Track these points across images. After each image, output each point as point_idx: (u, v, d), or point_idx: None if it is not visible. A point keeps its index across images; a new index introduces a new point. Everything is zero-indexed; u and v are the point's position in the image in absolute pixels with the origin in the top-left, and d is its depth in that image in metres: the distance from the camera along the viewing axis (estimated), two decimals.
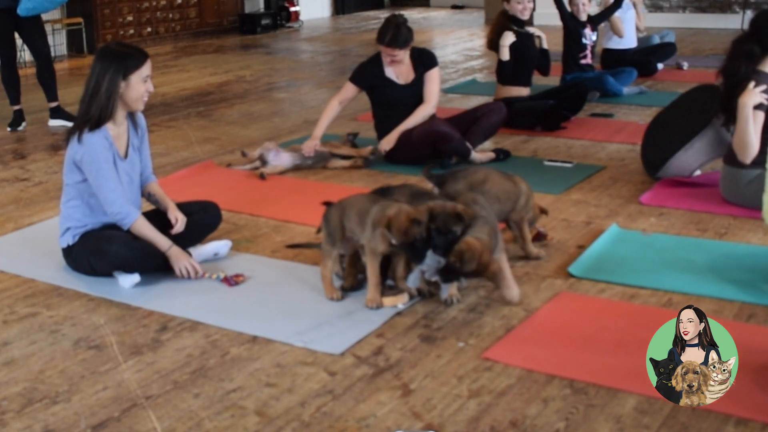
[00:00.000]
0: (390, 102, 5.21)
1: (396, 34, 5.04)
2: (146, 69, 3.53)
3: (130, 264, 3.48)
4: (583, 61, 7.15)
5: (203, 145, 5.97)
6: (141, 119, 3.73)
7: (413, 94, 5.20)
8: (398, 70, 5.20)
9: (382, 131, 5.27)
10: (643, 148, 4.93)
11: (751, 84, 4.06)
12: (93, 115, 3.47)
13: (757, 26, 4.16)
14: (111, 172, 3.48)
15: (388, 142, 5.17)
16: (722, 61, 4.28)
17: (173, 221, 3.65)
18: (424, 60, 5.24)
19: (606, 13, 7.43)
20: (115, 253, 3.45)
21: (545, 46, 6.21)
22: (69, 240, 3.59)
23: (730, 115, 4.21)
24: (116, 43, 3.77)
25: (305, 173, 5.14)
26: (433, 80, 5.23)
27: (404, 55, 5.13)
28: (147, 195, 3.77)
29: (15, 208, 4.63)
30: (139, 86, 3.51)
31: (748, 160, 4.12)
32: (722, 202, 4.34)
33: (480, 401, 2.60)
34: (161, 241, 3.54)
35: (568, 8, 7.12)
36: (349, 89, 5.30)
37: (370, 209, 3.23)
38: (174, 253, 3.54)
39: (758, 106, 4.07)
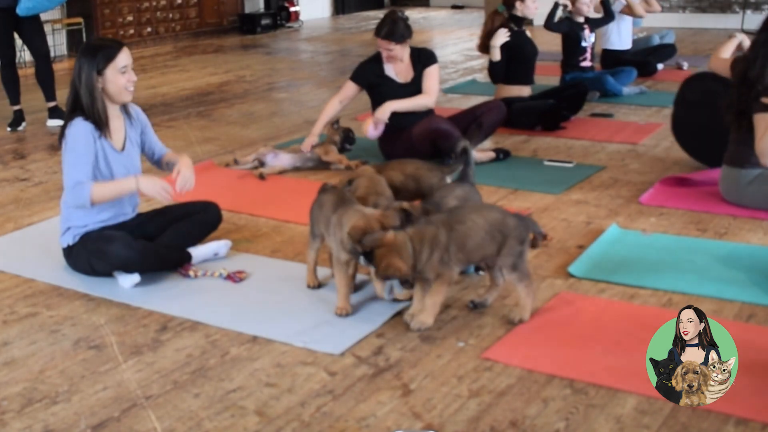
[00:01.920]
0: (389, 100, 5.20)
1: (393, 27, 5.03)
2: (122, 59, 3.46)
3: (130, 264, 3.47)
4: (583, 64, 7.14)
5: (203, 145, 5.97)
6: (136, 110, 3.71)
7: (412, 93, 5.18)
8: (398, 68, 5.19)
9: (382, 131, 5.26)
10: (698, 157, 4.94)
11: None
12: (89, 113, 3.45)
13: None
14: (84, 161, 3.41)
15: (382, 113, 5.08)
16: (744, 64, 4.12)
17: (174, 176, 3.58)
18: (422, 58, 5.23)
19: (600, 23, 7.35)
20: (115, 253, 3.44)
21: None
22: (69, 240, 3.59)
23: (746, 118, 4.07)
24: (95, 38, 3.75)
25: (305, 173, 5.14)
26: (432, 76, 5.21)
27: (401, 51, 5.11)
28: (165, 165, 3.77)
29: (15, 208, 4.63)
30: (117, 79, 3.46)
31: None
32: (722, 202, 4.34)
33: (480, 401, 2.60)
34: (126, 184, 3.48)
35: (565, 12, 7.09)
36: (350, 88, 5.30)
37: (330, 217, 3.21)
38: (143, 182, 3.46)
39: None
